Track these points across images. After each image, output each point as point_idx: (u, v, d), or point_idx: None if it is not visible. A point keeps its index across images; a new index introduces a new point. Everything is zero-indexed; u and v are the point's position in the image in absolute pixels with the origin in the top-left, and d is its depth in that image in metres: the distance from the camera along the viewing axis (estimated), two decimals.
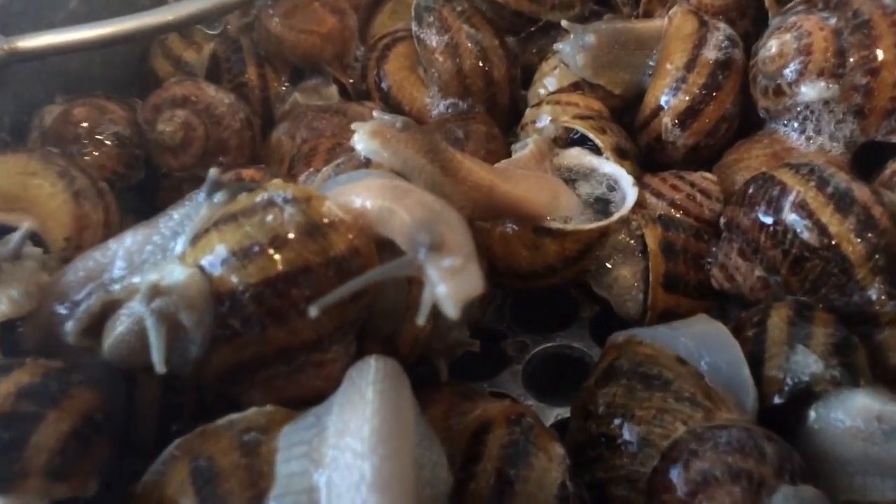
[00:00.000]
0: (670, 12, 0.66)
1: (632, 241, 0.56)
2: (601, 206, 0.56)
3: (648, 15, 0.71)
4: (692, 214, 0.58)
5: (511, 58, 0.71)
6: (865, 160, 0.59)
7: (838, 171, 0.50)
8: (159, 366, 0.36)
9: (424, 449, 0.36)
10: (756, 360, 0.45)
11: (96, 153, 0.64)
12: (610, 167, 0.58)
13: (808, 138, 0.59)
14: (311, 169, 0.61)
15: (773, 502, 0.36)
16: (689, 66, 0.62)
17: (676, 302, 0.55)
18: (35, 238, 0.54)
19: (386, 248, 0.40)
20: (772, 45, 0.59)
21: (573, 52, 0.67)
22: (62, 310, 0.44)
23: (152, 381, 0.44)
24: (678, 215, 0.58)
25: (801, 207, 0.49)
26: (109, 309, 0.40)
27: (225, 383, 0.40)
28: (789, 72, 0.59)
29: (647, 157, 0.65)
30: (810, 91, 0.58)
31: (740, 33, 0.65)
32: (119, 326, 0.39)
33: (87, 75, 0.73)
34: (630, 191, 0.56)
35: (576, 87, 0.68)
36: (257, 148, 0.72)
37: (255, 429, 0.38)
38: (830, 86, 0.57)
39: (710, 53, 0.62)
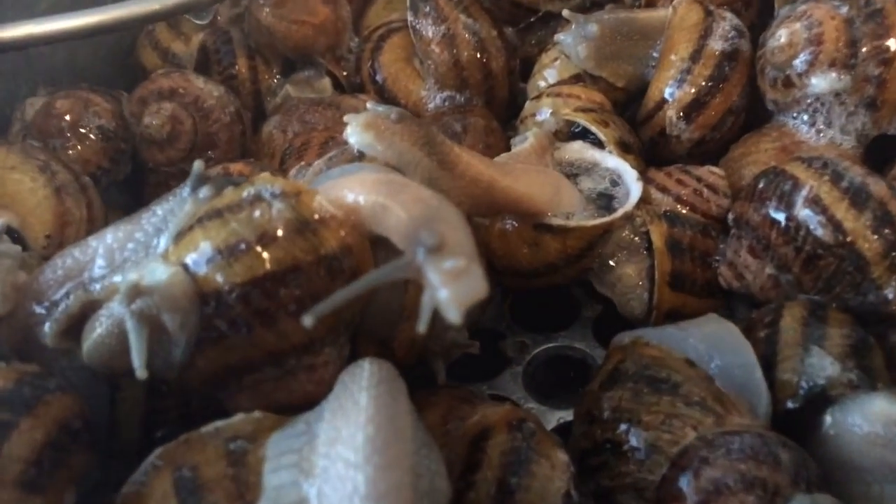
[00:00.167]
0: (675, 2, 0.65)
1: (636, 238, 0.55)
2: (604, 201, 0.56)
3: (652, 4, 0.70)
4: (699, 210, 0.57)
5: (510, 49, 0.70)
6: (878, 154, 0.59)
7: (853, 164, 0.50)
8: (140, 370, 0.35)
9: (422, 457, 0.35)
10: (769, 363, 0.44)
11: (80, 147, 0.64)
12: (613, 161, 0.57)
13: (819, 131, 0.58)
14: (303, 163, 0.59)
15: None
16: (695, 57, 0.61)
17: (683, 301, 0.54)
18: (15, 235, 0.53)
19: (380, 245, 0.39)
20: (781, 35, 0.58)
21: (574, 42, 0.66)
22: (39, 310, 0.43)
23: (135, 386, 0.43)
24: (684, 211, 0.57)
25: (815, 203, 0.48)
26: (89, 309, 0.39)
27: (211, 388, 0.39)
28: (799, 62, 0.57)
29: (650, 152, 0.64)
30: (821, 82, 0.57)
31: (746, 24, 0.64)
32: (98, 328, 0.38)
33: (72, 67, 0.73)
34: (634, 186, 0.55)
35: (577, 78, 0.67)
36: (248, 142, 0.71)
37: (242, 437, 0.37)
38: (842, 77, 0.56)
39: (717, 44, 0.61)
